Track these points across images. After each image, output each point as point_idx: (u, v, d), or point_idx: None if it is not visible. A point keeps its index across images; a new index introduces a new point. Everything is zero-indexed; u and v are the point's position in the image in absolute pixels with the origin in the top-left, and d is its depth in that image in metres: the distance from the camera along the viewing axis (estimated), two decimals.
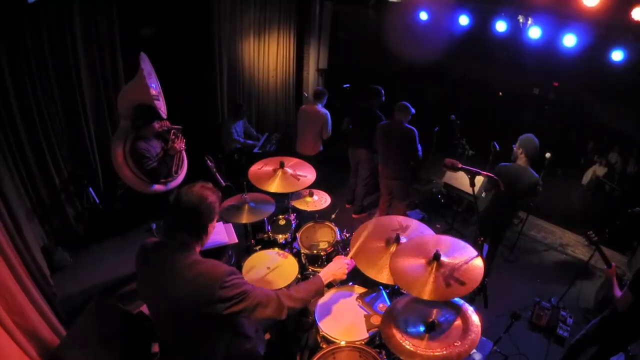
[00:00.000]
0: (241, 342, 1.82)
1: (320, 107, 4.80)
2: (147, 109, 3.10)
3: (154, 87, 3.24)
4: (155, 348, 2.43)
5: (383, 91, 4.53)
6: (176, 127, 3.36)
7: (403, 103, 4.03)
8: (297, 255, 2.92)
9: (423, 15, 5.00)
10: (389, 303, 2.38)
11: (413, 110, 4.03)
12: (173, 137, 3.31)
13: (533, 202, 4.15)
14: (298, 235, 3.07)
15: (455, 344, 1.82)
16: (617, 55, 3.77)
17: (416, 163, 4.32)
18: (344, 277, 2.14)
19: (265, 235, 3.24)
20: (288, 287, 2.56)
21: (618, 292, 2.52)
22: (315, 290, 1.94)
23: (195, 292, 1.56)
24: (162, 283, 1.62)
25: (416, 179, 5.89)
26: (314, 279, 1.99)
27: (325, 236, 3.10)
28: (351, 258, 2.23)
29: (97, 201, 4.16)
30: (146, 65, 3.18)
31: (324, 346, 2.18)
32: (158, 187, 3.26)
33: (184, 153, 3.50)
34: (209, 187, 1.71)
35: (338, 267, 2.10)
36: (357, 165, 4.91)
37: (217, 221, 1.84)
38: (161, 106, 3.26)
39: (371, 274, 2.21)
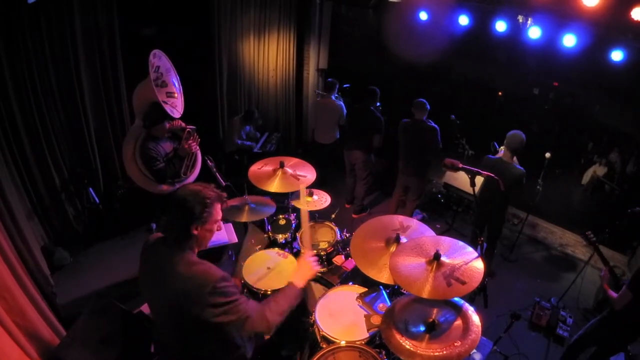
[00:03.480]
0: (229, 350, 1.81)
1: (334, 99, 5.08)
2: (157, 108, 3.02)
3: (175, 84, 3.19)
4: None
5: (379, 91, 4.56)
6: (190, 127, 3.20)
7: (420, 100, 4.20)
8: (297, 255, 2.92)
9: (423, 15, 4.99)
10: (389, 303, 2.38)
11: (429, 107, 4.20)
12: (187, 136, 3.18)
13: (522, 195, 4.23)
14: (298, 235, 3.07)
15: (456, 344, 1.82)
16: (616, 55, 3.76)
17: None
18: (315, 274, 2.07)
19: (265, 235, 3.24)
20: None
21: (613, 294, 2.54)
22: (295, 299, 1.85)
23: (187, 292, 1.56)
24: (159, 279, 1.63)
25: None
26: (289, 289, 1.87)
27: (325, 236, 3.11)
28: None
29: (97, 201, 4.16)
30: (164, 62, 3.14)
31: (324, 346, 2.18)
32: (166, 188, 3.21)
33: (198, 154, 3.37)
34: (206, 186, 1.69)
35: (306, 268, 1.98)
36: (353, 166, 4.93)
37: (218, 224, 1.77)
38: (177, 104, 3.19)
39: (371, 274, 2.21)
